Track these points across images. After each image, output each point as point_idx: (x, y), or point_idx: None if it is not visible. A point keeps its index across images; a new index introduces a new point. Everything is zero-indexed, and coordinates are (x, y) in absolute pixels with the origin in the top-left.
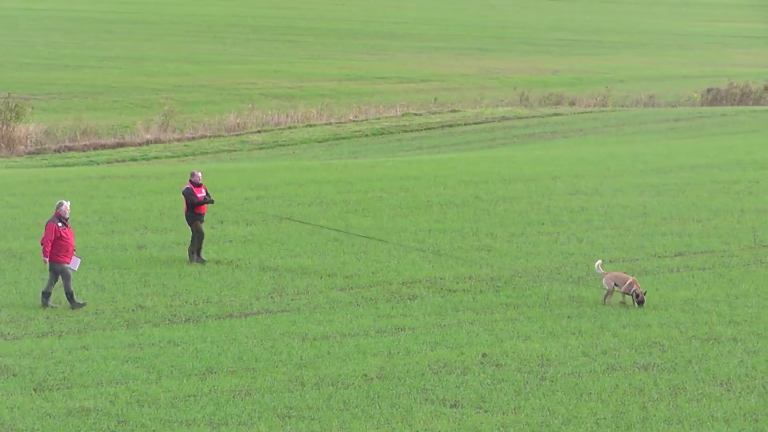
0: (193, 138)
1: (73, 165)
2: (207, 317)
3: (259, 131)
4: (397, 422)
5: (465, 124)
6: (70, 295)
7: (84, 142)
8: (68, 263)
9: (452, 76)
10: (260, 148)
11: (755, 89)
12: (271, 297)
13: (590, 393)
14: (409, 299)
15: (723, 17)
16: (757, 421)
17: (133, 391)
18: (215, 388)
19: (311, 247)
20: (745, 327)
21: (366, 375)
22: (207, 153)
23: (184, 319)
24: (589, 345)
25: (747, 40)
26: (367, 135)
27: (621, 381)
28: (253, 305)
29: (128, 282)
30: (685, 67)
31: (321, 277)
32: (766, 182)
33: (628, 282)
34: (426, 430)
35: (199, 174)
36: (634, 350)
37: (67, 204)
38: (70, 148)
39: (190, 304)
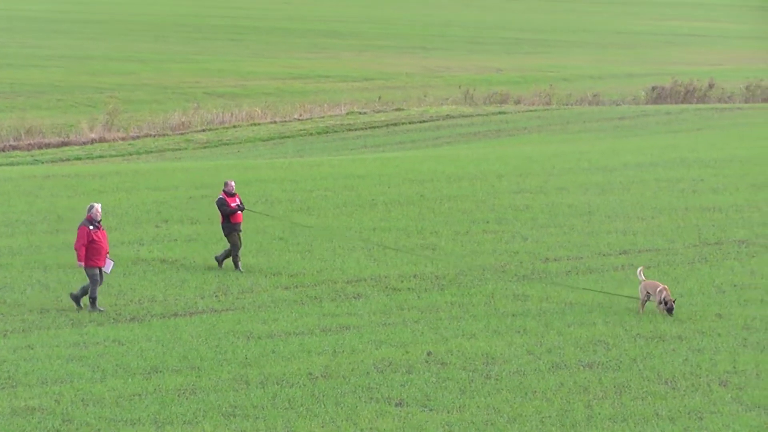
0: (138, 137)
1: (18, 164)
2: (152, 316)
3: (203, 130)
4: (342, 421)
5: (410, 123)
6: (93, 300)
7: (28, 142)
8: (101, 267)
9: (396, 74)
10: (205, 147)
11: (699, 87)
12: (216, 296)
13: (535, 391)
14: (354, 298)
15: (667, 16)
16: (701, 419)
17: (77, 390)
18: (160, 387)
19: (256, 246)
20: (690, 325)
21: (311, 374)
22: (151, 152)
23: (128, 318)
24: (534, 343)
25: (691, 39)
26: (311, 134)
27: (566, 379)
28: (197, 304)
29: (73, 281)
30: (629, 65)
31: (266, 276)
32: (711, 180)
33: (658, 289)
34: (371, 428)
35: (233, 183)
36: (579, 348)
37: (98, 206)
38: (14, 147)
39: (135, 303)
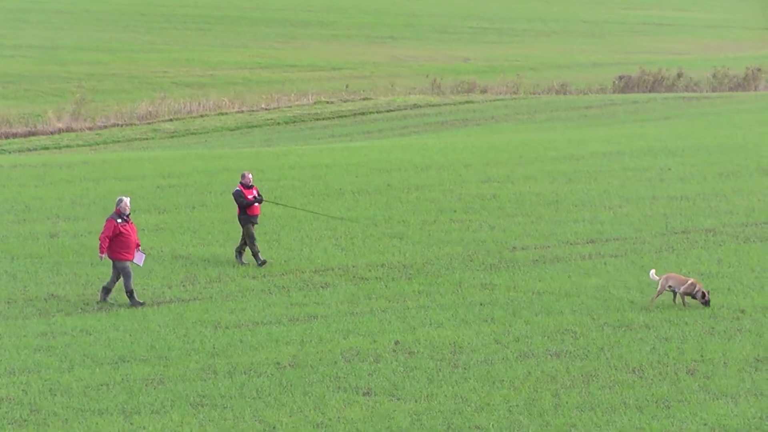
0: (105, 126)
1: None
2: (119, 306)
3: (171, 120)
4: (309, 410)
5: (377, 112)
6: (130, 294)
7: None
8: (130, 260)
9: (364, 64)
10: (172, 137)
11: (667, 76)
12: (184, 285)
13: (503, 380)
14: (322, 287)
15: (634, 5)
16: (669, 407)
17: (45, 380)
18: (128, 376)
19: (223, 236)
20: (657, 314)
21: (279, 363)
22: (119, 141)
23: (96, 307)
24: (501, 332)
25: (658, 28)
26: (279, 123)
27: (533, 368)
28: (165, 294)
29: (40, 271)
30: (596, 54)
31: (233, 266)
32: (678, 169)
33: (688, 283)
34: (339, 417)
35: (250, 176)
36: (546, 337)
37: (126, 200)
38: None
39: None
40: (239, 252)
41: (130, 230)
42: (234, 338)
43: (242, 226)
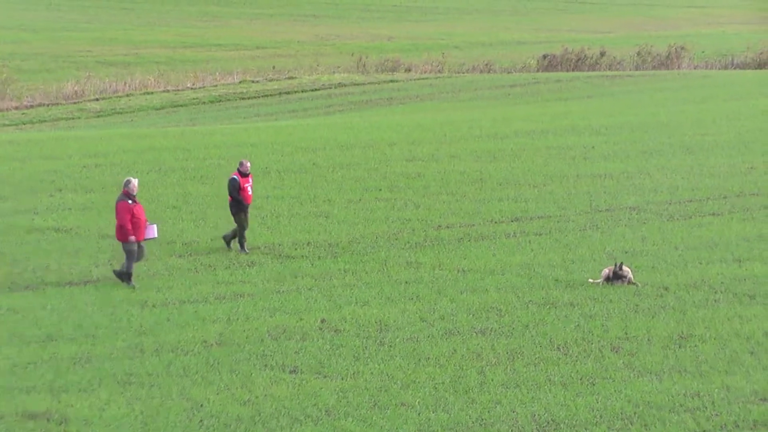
0: (31, 106)
1: None
2: (46, 285)
3: (97, 99)
4: (236, 388)
5: (302, 91)
6: (129, 276)
7: None
8: (140, 240)
9: (288, 42)
10: (98, 116)
11: (590, 55)
12: (111, 264)
13: (428, 358)
14: (248, 266)
15: None
16: (593, 384)
17: None
18: (55, 355)
19: (150, 215)
20: (582, 292)
21: (205, 341)
22: (45, 121)
23: (23, 286)
24: (426, 310)
25: (582, 6)
26: (204, 102)
27: (459, 346)
28: (92, 272)
29: None
30: (520, 33)
31: (159, 245)
32: (602, 147)
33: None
34: (266, 395)
35: (248, 164)
36: (471, 315)
37: (135, 181)
38: None
39: (30, 271)
40: (227, 239)
41: (139, 211)
42: (161, 317)
43: (233, 214)
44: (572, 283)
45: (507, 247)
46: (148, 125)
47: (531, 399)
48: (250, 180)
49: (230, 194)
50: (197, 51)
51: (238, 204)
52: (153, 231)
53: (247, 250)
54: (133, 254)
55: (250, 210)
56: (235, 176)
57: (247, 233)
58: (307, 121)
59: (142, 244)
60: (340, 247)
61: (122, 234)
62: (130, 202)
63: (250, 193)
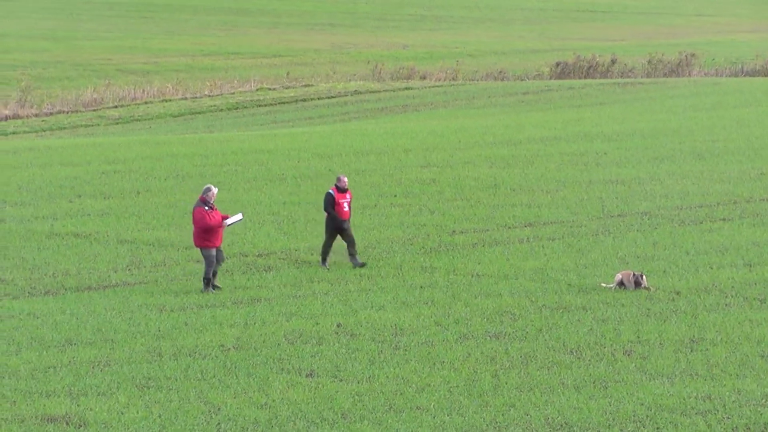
0: (51, 113)
1: None
2: (66, 290)
3: (115, 106)
4: (253, 392)
5: (318, 99)
6: (206, 281)
7: None
8: (218, 246)
9: (304, 51)
10: (117, 123)
11: (602, 62)
12: (129, 269)
13: (443, 361)
14: (265, 270)
15: None
16: (606, 387)
17: None
18: (75, 359)
19: (168, 220)
20: (594, 296)
21: (223, 345)
22: (65, 128)
23: (43, 291)
24: (441, 314)
25: (593, 15)
26: (222, 109)
27: (473, 349)
28: (111, 277)
29: None
30: (533, 41)
31: (178, 250)
32: (614, 154)
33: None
34: (282, 399)
35: (345, 179)
36: (485, 319)
37: (215, 190)
38: None
39: (49, 276)
40: (326, 255)
41: (215, 218)
42: (179, 321)
43: (326, 230)
44: (585, 288)
45: (520, 252)
46: (166, 132)
47: (544, 402)
48: (348, 196)
49: (324, 209)
50: (215, 59)
51: (333, 220)
52: (236, 218)
53: (360, 262)
54: (212, 260)
55: (349, 225)
56: (331, 191)
57: (326, 246)
58: (323, 128)
59: (221, 248)
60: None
61: (200, 240)
62: (206, 208)
63: (346, 209)
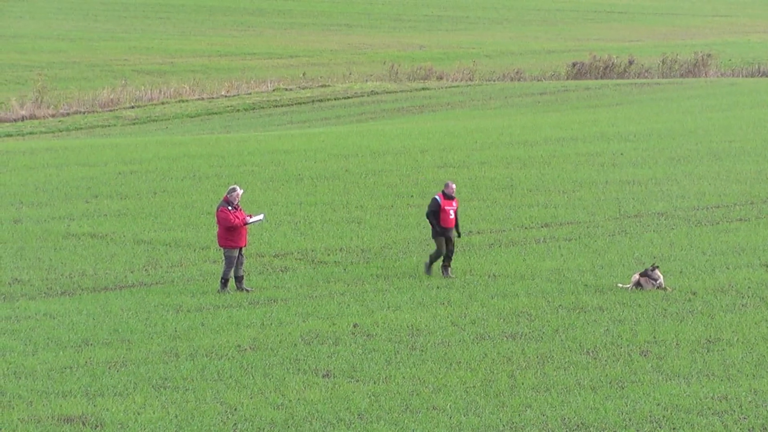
0: (68, 114)
1: None
2: (82, 290)
3: (132, 107)
4: (270, 392)
5: (335, 99)
6: (224, 281)
7: None
8: (241, 246)
9: (321, 51)
10: (134, 124)
11: (618, 63)
12: (146, 270)
13: (459, 362)
14: (281, 271)
15: None
16: (622, 388)
17: (10, 363)
18: (91, 359)
19: (184, 221)
20: (611, 296)
21: (239, 346)
22: (81, 128)
23: (59, 292)
24: (458, 315)
25: (610, 15)
26: (238, 110)
27: (489, 350)
28: (127, 278)
29: (4, 256)
30: (549, 42)
31: (194, 250)
32: (630, 154)
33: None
34: (299, 399)
35: (453, 186)
36: (502, 320)
37: (240, 191)
38: None
39: (66, 277)
40: (428, 265)
41: (239, 219)
42: (195, 321)
43: (433, 237)
44: (601, 288)
45: (537, 252)
46: (182, 133)
47: (561, 402)
48: (455, 204)
49: (426, 215)
50: (231, 60)
51: (434, 228)
52: (258, 217)
53: (452, 276)
54: (232, 261)
55: (452, 235)
56: (437, 197)
57: (436, 254)
58: (340, 129)
59: (242, 251)
60: (372, 253)
61: (224, 240)
62: (230, 208)
63: (452, 216)
